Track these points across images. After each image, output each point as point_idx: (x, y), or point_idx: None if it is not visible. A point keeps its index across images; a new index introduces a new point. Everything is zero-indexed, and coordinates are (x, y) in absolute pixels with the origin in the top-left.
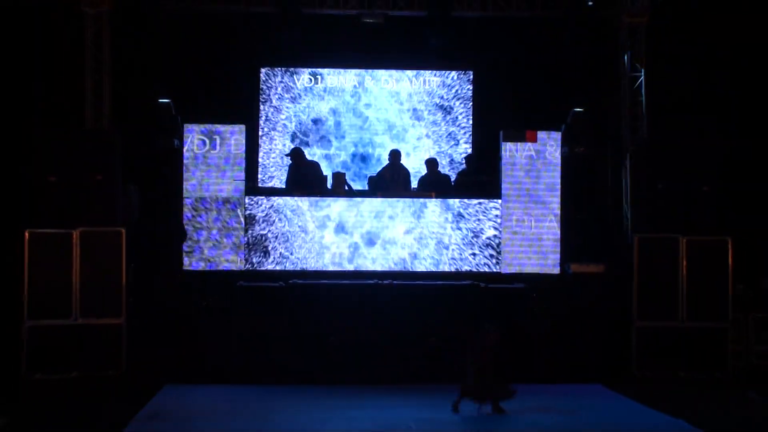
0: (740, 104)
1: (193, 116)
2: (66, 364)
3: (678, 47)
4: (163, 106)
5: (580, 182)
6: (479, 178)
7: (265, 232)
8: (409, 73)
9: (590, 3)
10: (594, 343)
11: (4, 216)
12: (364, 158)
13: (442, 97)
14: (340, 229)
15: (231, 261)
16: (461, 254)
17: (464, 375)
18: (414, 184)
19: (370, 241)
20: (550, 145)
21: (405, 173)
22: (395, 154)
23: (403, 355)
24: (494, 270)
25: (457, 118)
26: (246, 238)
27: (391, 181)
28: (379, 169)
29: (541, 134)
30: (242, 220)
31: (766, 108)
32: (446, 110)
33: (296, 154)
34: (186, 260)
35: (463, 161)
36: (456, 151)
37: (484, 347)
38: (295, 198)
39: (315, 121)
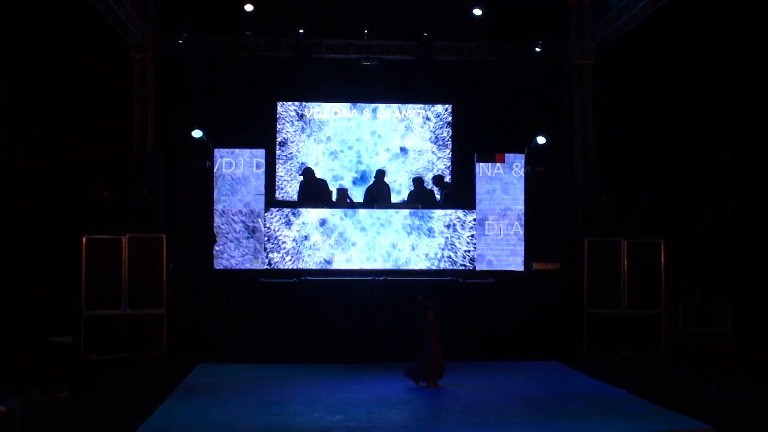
0: (670, 129)
1: (221, 142)
2: (117, 346)
3: (618, 84)
4: (198, 135)
5: (540, 195)
6: (449, 190)
7: (281, 237)
8: (400, 106)
9: (538, 49)
10: (552, 327)
11: (66, 224)
12: (362, 175)
13: (427, 126)
14: (343, 234)
15: (253, 261)
16: (443, 255)
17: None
18: (397, 198)
19: (368, 245)
20: (515, 165)
21: (388, 189)
22: (380, 173)
23: (394, 338)
24: (470, 268)
25: (438, 142)
26: (265, 243)
27: (378, 195)
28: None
29: (509, 156)
30: (262, 227)
31: (689, 133)
32: (430, 136)
33: (307, 173)
34: (216, 261)
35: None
36: (441, 171)
37: (429, 322)
38: (306, 209)
39: (321, 145)
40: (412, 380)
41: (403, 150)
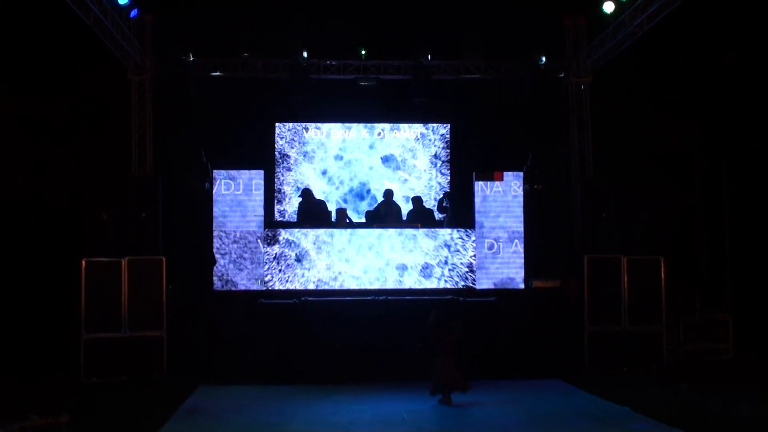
0: (668, 145)
1: (220, 163)
2: (117, 369)
3: (615, 99)
4: (196, 154)
5: (539, 213)
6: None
7: (280, 258)
8: (398, 125)
9: (535, 66)
10: (553, 344)
11: (65, 247)
12: (360, 195)
13: (425, 145)
14: (343, 254)
15: (253, 282)
16: (443, 273)
17: (433, 370)
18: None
19: (368, 264)
20: (514, 183)
21: (397, 208)
22: (389, 193)
23: (396, 357)
24: (470, 286)
25: (437, 161)
26: (265, 264)
27: (385, 215)
28: (374, 205)
29: (507, 174)
30: (262, 248)
31: (686, 148)
32: (428, 155)
33: (306, 193)
34: (215, 282)
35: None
36: (438, 189)
37: (449, 342)
38: (305, 230)
39: (320, 165)
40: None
41: (401, 169)
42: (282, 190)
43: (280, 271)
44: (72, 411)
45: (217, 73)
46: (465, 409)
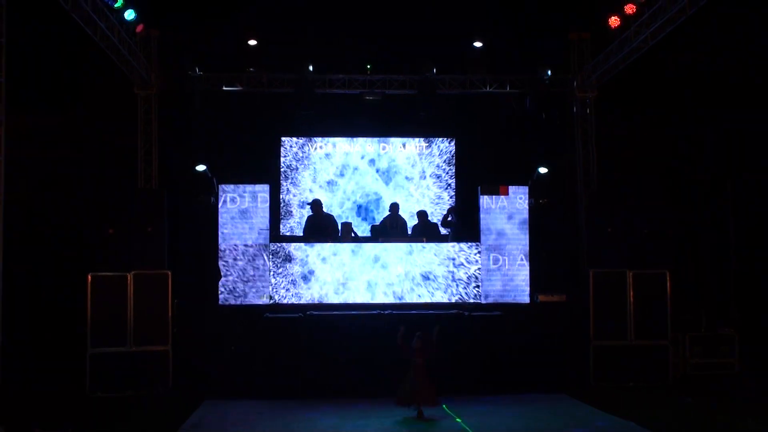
0: (672, 159)
1: (225, 177)
2: (122, 384)
3: (620, 115)
4: (201, 169)
5: (545, 227)
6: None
7: (286, 272)
8: (403, 139)
9: (546, 78)
10: (558, 359)
11: (71, 262)
12: (365, 209)
13: (430, 159)
14: (348, 268)
15: (258, 297)
16: (448, 288)
17: (400, 383)
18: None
19: (373, 278)
20: (519, 197)
21: (402, 222)
22: (395, 206)
23: (400, 371)
24: (476, 301)
25: (442, 175)
26: (271, 278)
27: (391, 229)
28: (379, 218)
29: (512, 188)
30: (267, 262)
31: (691, 162)
32: (432, 169)
33: (316, 205)
34: (221, 296)
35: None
36: (443, 203)
37: (415, 352)
38: (311, 244)
39: (324, 179)
40: (403, 406)
41: (407, 183)
42: (287, 204)
43: (285, 285)
44: (77, 425)
45: (223, 88)
46: (470, 422)
